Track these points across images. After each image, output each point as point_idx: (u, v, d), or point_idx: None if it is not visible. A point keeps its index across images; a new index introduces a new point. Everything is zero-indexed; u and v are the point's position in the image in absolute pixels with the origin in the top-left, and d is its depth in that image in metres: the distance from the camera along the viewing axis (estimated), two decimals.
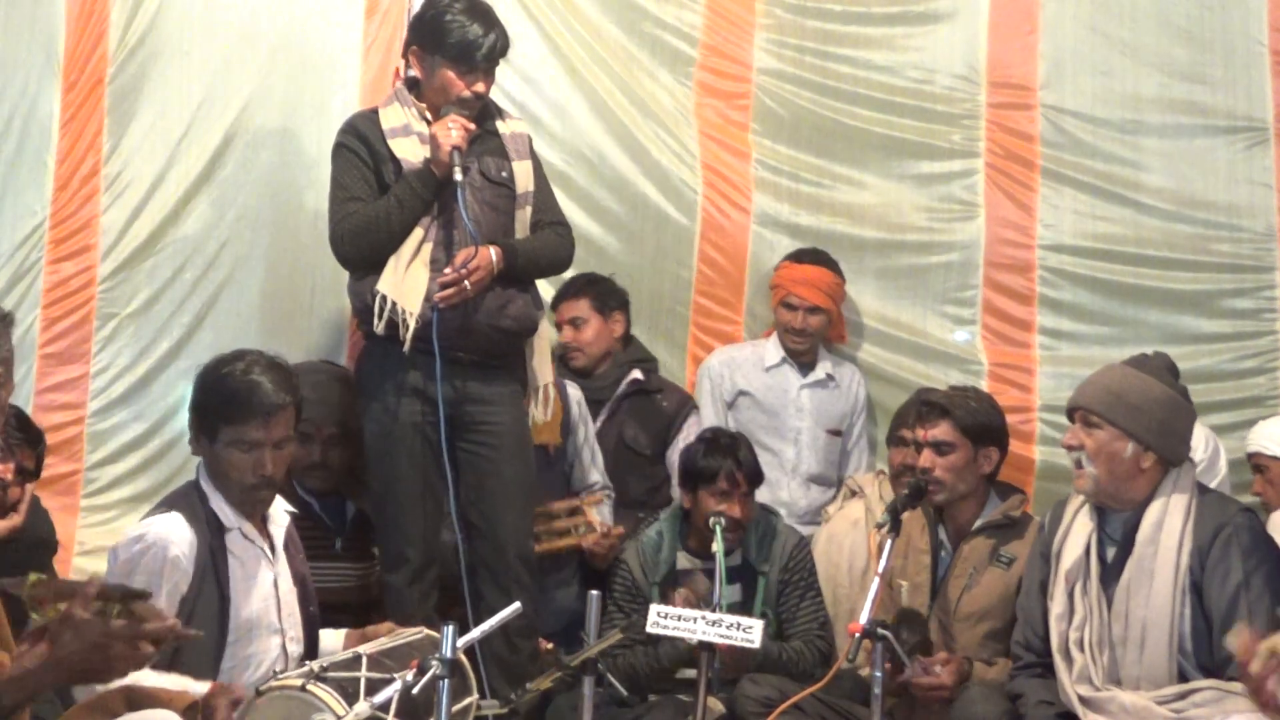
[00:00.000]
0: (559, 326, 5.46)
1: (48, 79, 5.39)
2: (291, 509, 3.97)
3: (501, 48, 4.70)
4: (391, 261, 4.58)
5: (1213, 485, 4.65)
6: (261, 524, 3.83)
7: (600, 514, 5.23)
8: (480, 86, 4.67)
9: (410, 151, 4.64)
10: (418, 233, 4.59)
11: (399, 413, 4.62)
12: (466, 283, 4.54)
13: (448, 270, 4.55)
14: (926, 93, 5.82)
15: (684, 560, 4.84)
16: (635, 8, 5.83)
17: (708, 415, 5.45)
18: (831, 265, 5.55)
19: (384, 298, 4.55)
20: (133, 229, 5.43)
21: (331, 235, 4.72)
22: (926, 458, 4.57)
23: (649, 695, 4.63)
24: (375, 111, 4.78)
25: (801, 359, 5.57)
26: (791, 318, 5.51)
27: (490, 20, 4.70)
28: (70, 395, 5.37)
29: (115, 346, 5.41)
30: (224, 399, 3.77)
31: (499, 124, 4.81)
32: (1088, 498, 4.11)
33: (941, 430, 4.58)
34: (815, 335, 5.54)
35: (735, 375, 5.46)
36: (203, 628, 3.54)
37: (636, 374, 5.43)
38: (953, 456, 4.56)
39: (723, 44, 5.86)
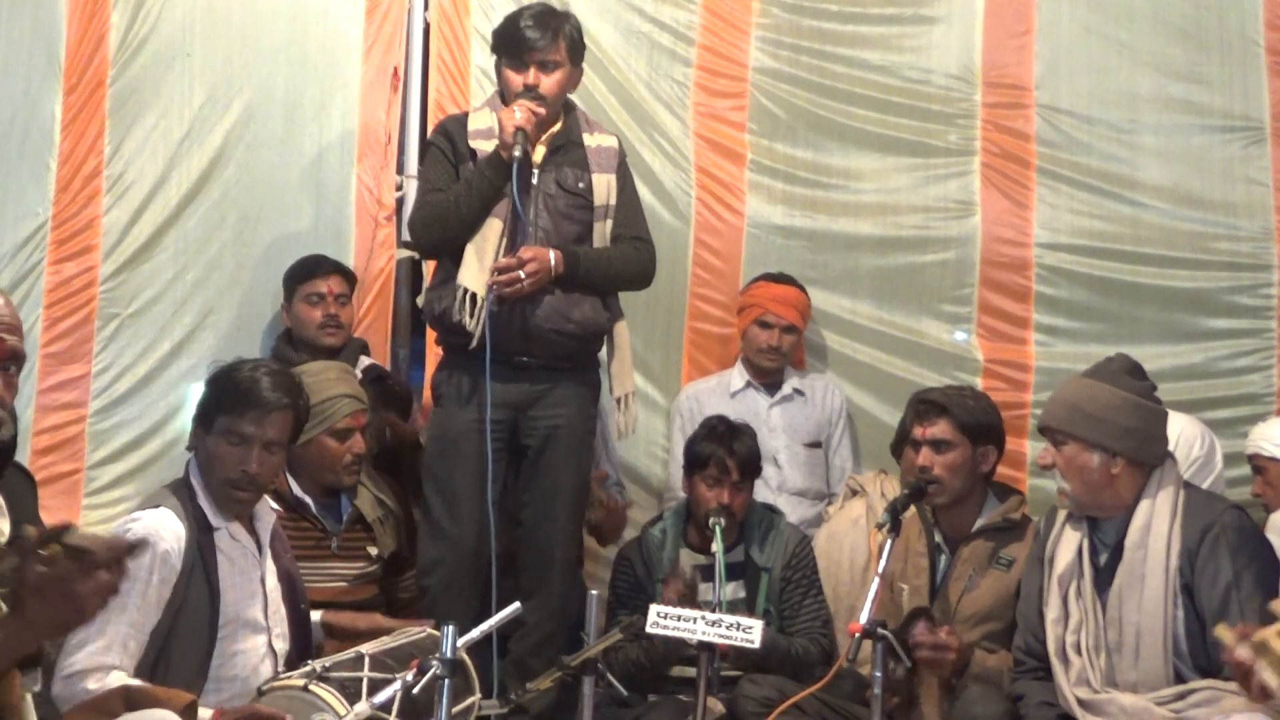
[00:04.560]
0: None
1: (49, 81, 5.42)
2: (276, 507, 3.98)
3: (539, 42, 4.69)
4: (474, 256, 4.62)
5: (1208, 482, 4.66)
6: (249, 522, 3.84)
7: (607, 490, 5.26)
8: (530, 78, 4.68)
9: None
10: (498, 225, 4.64)
11: (460, 419, 4.68)
12: (522, 272, 4.56)
13: (504, 259, 4.59)
14: (922, 92, 5.84)
15: (686, 557, 4.85)
16: (631, 7, 5.84)
17: (681, 452, 5.33)
18: (798, 285, 5.58)
19: (464, 290, 4.60)
20: (134, 230, 5.47)
21: (408, 224, 4.91)
22: (925, 456, 4.56)
23: (649, 695, 4.65)
24: (465, 115, 4.88)
25: (766, 379, 5.59)
26: (767, 336, 5.51)
27: (545, 22, 4.74)
28: (72, 395, 5.41)
29: (117, 346, 5.45)
30: (225, 391, 3.82)
31: (585, 136, 4.85)
32: (1073, 512, 4.13)
33: (940, 428, 4.58)
34: (787, 355, 5.56)
35: (704, 407, 5.39)
36: (193, 624, 3.60)
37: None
38: (951, 455, 4.55)
39: (719, 44, 5.87)
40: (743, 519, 4.87)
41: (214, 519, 3.73)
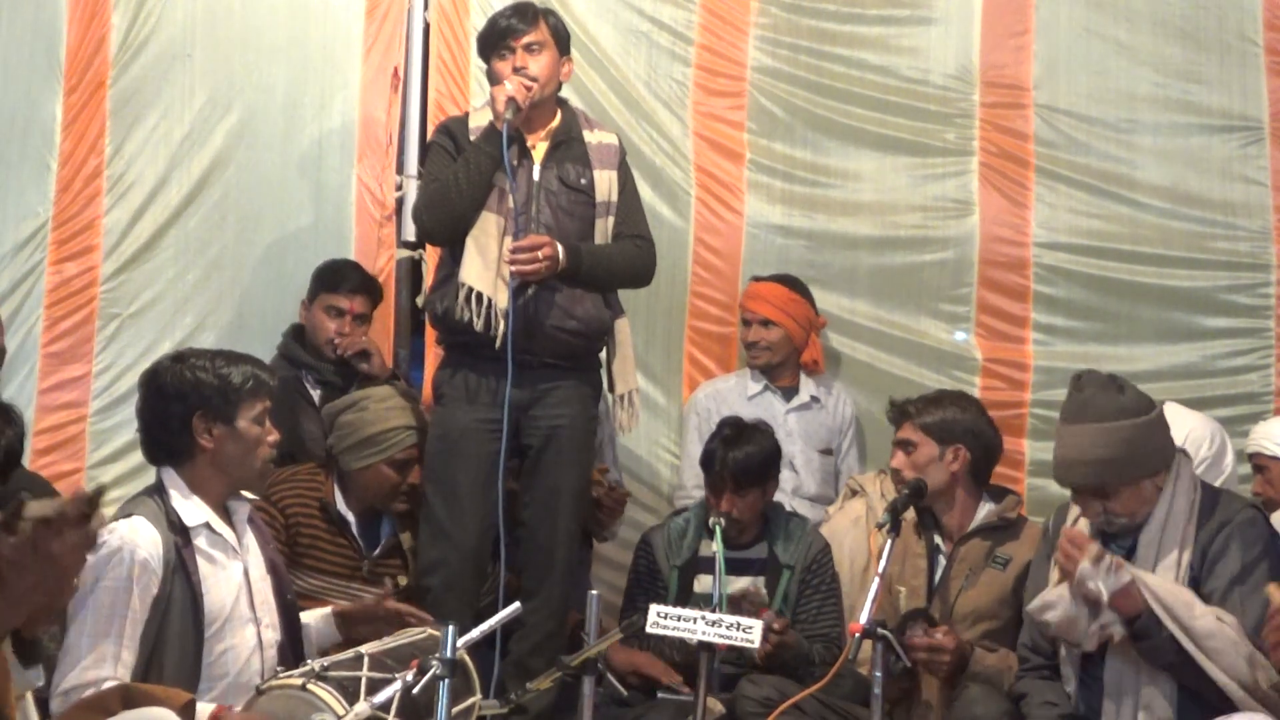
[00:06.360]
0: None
1: (49, 82, 5.45)
2: (251, 496, 3.96)
3: (518, 25, 4.74)
4: (475, 252, 4.62)
5: (1218, 482, 4.60)
6: (226, 516, 3.81)
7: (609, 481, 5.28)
8: (518, 60, 4.71)
9: None
10: (499, 221, 4.64)
11: (462, 418, 4.69)
12: (539, 253, 4.57)
13: (522, 240, 4.60)
14: (920, 92, 5.84)
15: (706, 548, 4.81)
16: (630, 7, 5.84)
17: (695, 450, 5.32)
18: (792, 284, 5.55)
19: (470, 290, 4.61)
20: (135, 230, 5.50)
21: (413, 214, 4.94)
22: (898, 459, 4.65)
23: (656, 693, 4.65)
24: (467, 115, 4.92)
25: (781, 383, 5.55)
26: (745, 332, 5.53)
27: (523, 11, 4.80)
28: (72, 394, 5.44)
29: (117, 346, 5.47)
30: (240, 379, 3.77)
31: (586, 133, 4.87)
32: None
33: (905, 431, 4.66)
34: (774, 350, 5.49)
35: (721, 407, 5.37)
36: (179, 627, 3.57)
37: None
38: (915, 454, 4.60)
39: (718, 43, 5.87)
40: (764, 516, 4.88)
41: (196, 516, 3.69)
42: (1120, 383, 4.05)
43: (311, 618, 4.05)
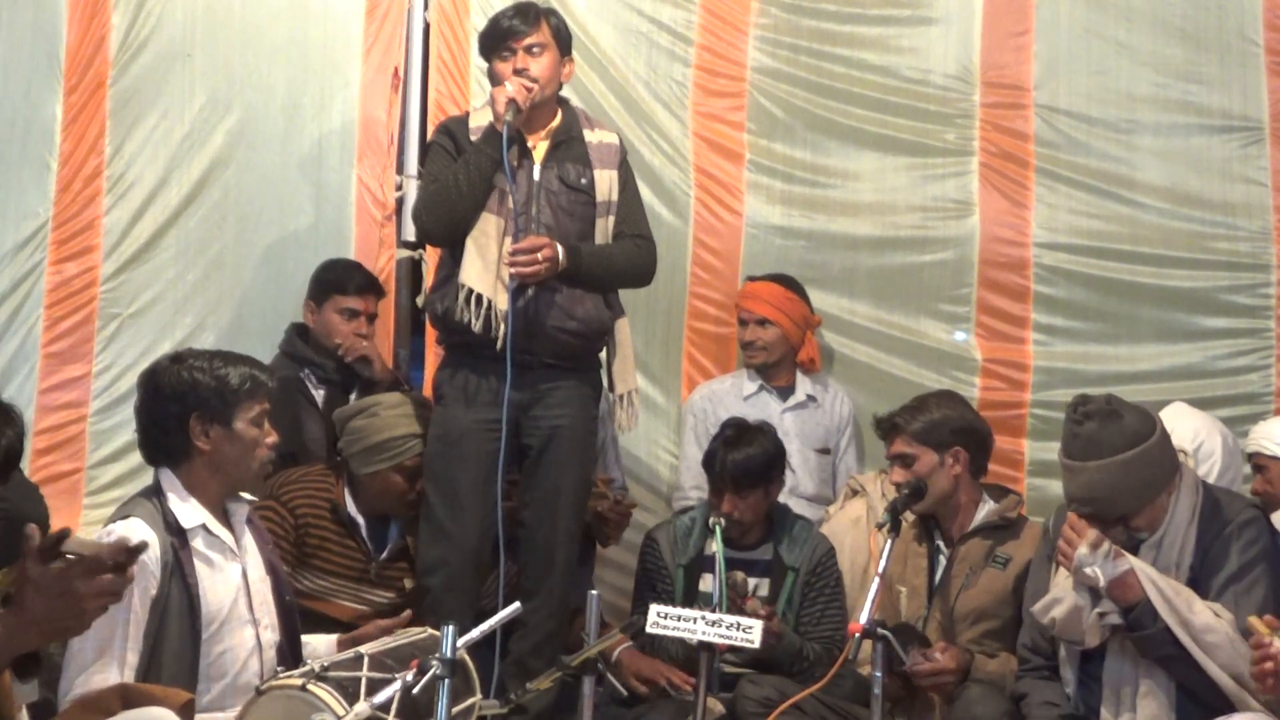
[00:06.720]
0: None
1: (50, 82, 5.46)
2: (251, 497, 3.96)
3: (520, 27, 4.73)
4: (475, 253, 4.62)
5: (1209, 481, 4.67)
6: (225, 518, 3.80)
7: (614, 490, 5.28)
8: (519, 62, 4.71)
9: None
10: (499, 222, 4.64)
11: (462, 418, 4.69)
12: (539, 255, 4.57)
13: (522, 242, 4.60)
14: (921, 92, 5.83)
15: (710, 547, 4.79)
16: (630, 7, 5.84)
17: (692, 451, 5.37)
18: (787, 283, 5.55)
19: (470, 292, 4.60)
20: (135, 230, 5.51)
21: (413, 215, 4.93)
22: (897, 474, 4.63)
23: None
24: (467, 115, 4.91)
25: (777, 383, 5.55)
26: (742, 332, 5.53)
27: (525, 11, 4.78)
28: (72, 394, 5.45)
29: (117, 346, 5.48)
30: (238, 381, 3.76)
31: (586, 133, 4.86)
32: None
33: (898, 445, 4.65)
34: (771, 350, 5.49)
35: (718, 409, 5.39)
36: (175, 628, 3.56)
37: None
38: (917, 466, 4.59)
39: (717, 44, 5.86)
40: (769, 518, 4.87)
41: (193, 519, 3.68)
42: (1117, 406, 3.99)
43: (315, 642, 4.04)
